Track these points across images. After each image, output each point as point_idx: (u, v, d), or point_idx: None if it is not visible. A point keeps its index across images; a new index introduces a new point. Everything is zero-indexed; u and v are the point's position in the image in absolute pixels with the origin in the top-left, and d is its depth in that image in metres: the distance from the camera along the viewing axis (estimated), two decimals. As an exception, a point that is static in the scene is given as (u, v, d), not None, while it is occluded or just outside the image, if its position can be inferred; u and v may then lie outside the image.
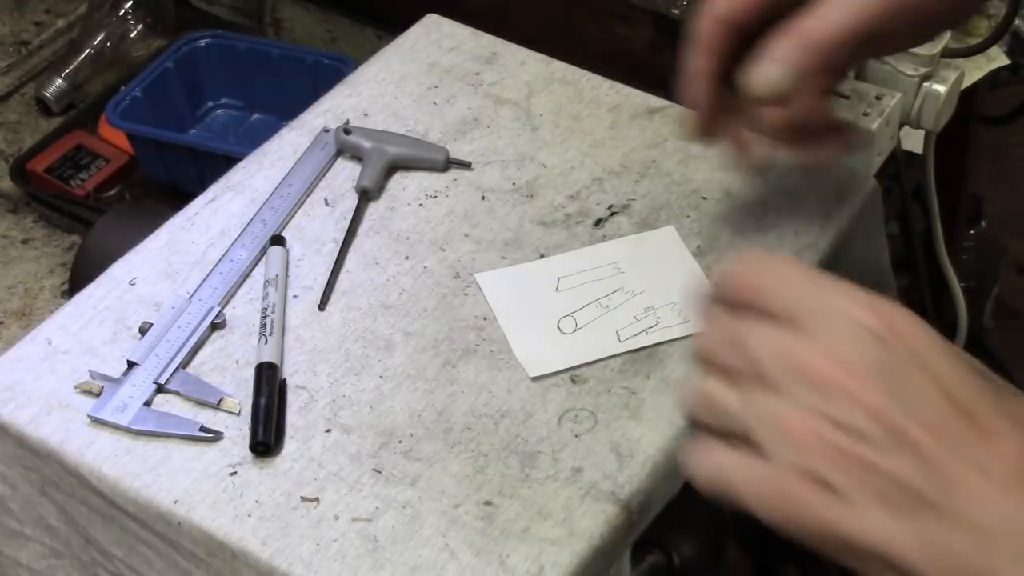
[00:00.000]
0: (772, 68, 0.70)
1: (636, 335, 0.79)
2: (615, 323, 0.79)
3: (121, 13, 1.66)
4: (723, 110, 0.78)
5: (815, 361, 0.53)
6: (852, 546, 0.51)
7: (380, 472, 0.73)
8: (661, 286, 0.81)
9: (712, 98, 0.77)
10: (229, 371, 0.79)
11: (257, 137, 1.23)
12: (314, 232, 0.88)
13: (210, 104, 1.52)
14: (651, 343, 0.78)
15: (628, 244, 0.82)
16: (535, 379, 0.78)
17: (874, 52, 0.83)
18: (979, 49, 1.11)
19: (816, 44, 0.69)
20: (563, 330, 0.78)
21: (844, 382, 0.52)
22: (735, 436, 0.55)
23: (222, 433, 0.75)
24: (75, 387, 0.77)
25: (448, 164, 0.92)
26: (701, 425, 0.57)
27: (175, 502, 0.72)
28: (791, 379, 0.53)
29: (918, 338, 0.53)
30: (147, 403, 0.77)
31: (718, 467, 0.55)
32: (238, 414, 0.76)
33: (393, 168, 0.92)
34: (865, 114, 0.92)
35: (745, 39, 0.75)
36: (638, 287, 0.80)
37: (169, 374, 0.78)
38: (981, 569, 0.49)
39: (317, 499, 0.72)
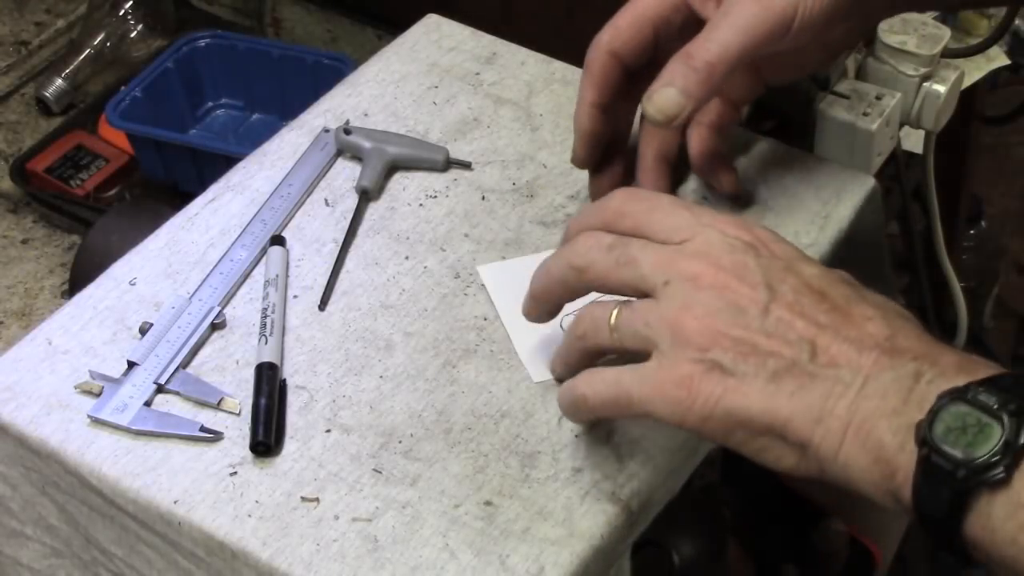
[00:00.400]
0: (662, 92, 0.72)
1: None
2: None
3: (121, 13, 1.66)
4: (604, 139, 0.82)
5: (695, 265, 0.62)
6: (739, 418, 0.60)
7: (380, 472, 0.73)
8: None
9: (593, 127, 0.80)
10: (229, 371, 0.79)
11: (257, 137, 1.23)
12: (314, 232, 0.88)
13: (210, 104, 1.52)
14: None
15: None
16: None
17: (770, 76, 0.83)
18: (979, 49, 1.11)
19: (702, 64, 0.71)
20: (565, 328, 0.77)
21: (724, 279, 0.62)
22: (624, 351, 0.65)
23: (222, 433, 0.75)
24: (75, 387, 0.78)
25: (448, 164, 0.92)
26: (583, 351, 0.68)
27: (175, 502, 0.72)
28: (675, 283, 0.62)
29: (787, 250, 0.64)
30: (147, 403, 0.77)
31: (613, 383, 0.64)
32: (238, 414, 0.76)
33: (393, 168, 0.92)
34: (865, 114, 0.92)
35: (641, 68, 0.78)
36: None
37: (169, 374, 0.78)
38: (843, 412, 0.58)
39: (317, 499, 0.72)
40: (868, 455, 0.58)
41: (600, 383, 0.66)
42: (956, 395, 0.56)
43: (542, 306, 0.72)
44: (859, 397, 0.58)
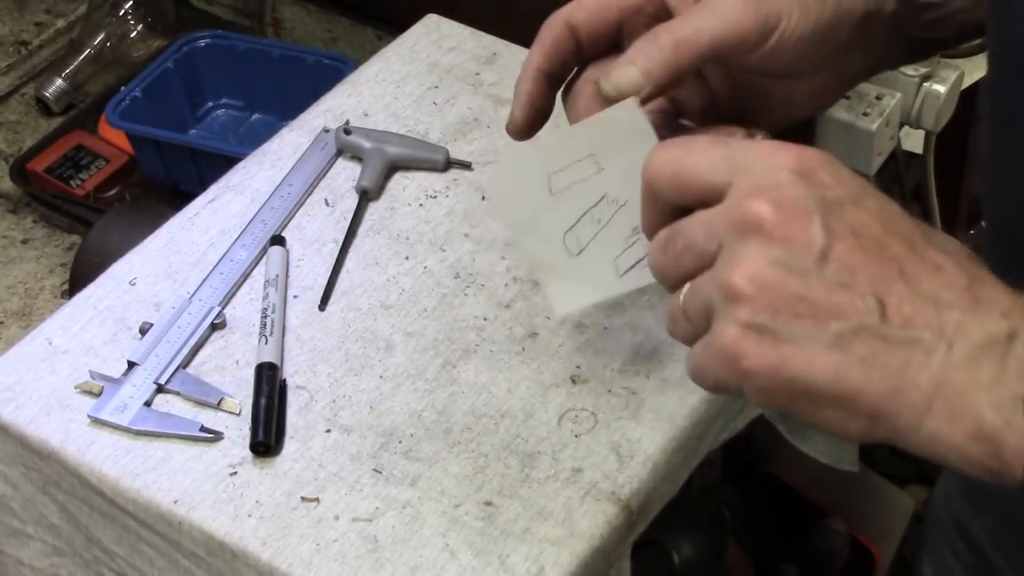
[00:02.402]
0: (621, 68, 0.67)
1: (632, 268, 0.71)
2: (611, 248, 0.71)
3: (121, 13, 1.66)
4: (545, 112, 0.74)
5: (737, 211, 0.54)
6: (802, 389, 0.52)
7: (380, 472, 0.73)
8: (636, 194, 0.70)
9: (535, 96, 0.73)
10: (229, 371, 0.79)
11: (257, 137, 1.23)
12: (314, 232, 0.88)
13: (210, 104, 1.52)
14: (645, 282, 0.69)
15: (598, 129, 0.72)
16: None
17: (784, 111, 0.75)
18: (979, 49, 1.11)
19: (668, 43, 0.66)
20: (570, 250, 0.72)
21: (772, 220, 0.53)
22: (703, 333, 0.56)
23: (222, 433, 0.75)
24: (75, 387, 0.78)
25: (448, 164, 0.92)
26: (683, 340, 0.59)
27: (175, 502, 0.72)
28: (726, 241, 0.54)
29: (843, 175, 0.55)
30: (147, 403, 0.77)
31: (691, 363, 0.56)
32: (238, 414, 0.76)
33: (393, 168, 0.92)
34: (865, 114, 0.92)
35: (597, 53, 0.72)
36: (621, 194, 0.72)
37: (169, 374, 0.78)
38: (927, 383, 0.51)
39: (317, 499, 0.72)
40: (962, 430, 0.51)
41: (689, 359, 0.57)
42: None
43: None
44: (945, 366, 0.51)
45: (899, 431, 0.52)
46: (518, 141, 0.75)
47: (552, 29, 0.72)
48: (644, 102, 0.67)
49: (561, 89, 0.73)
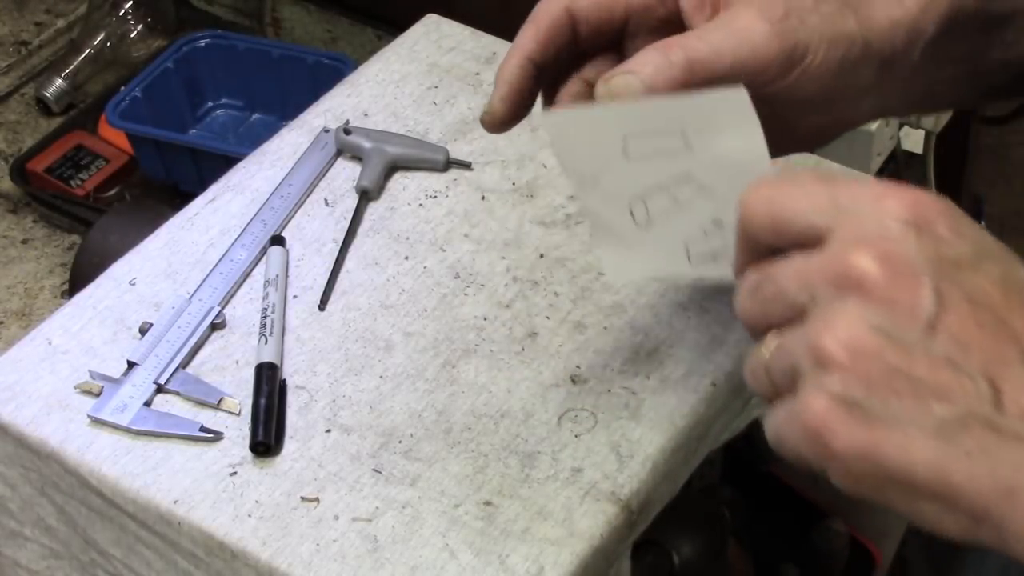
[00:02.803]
0: (623, 76, 0.60)
1: (705, 259, 0.65)
2: (684, 230, 0.65)
3: (121, 13, 1.66)
4: (527, 105, 0.67)
5: (837, 264, 0.47)
6: (894, 476, 0.46)
7: (380, 472, 0.73)
8: (730, 189, 0.63)
9: (520, 86, 0.66)
10: (229, 371, 0.79)
11: (257, 137, 1.23)
12: (314, 232, 0.88)
13: (210, 104, 1.52)
14: (718, 275, 0.64)
15: (696, 108, 0.63)
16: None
17: (813, 137, 0.68)
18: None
19: (682, 60, 0.59)
20: (636, 219, 0.65)
21: (874, 278, 0.46)
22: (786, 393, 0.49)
23: (222, 433, 0.75)
24: (75, 387, 0.78)
25: (448, 164, 0.92)
26: (764, 397, 0.52)
27: (175, 502, 0.72)
28: (821, 295, 0.47)
29: (963, 230, 0.47)
30: (147, 403, 0.77)
31: (770, 426, 0.50)
32: (238, 414, 0.76)
33: (393, 168, 0.92)
34: (865, 114, 0.92)
35: (593, 52, 0.66)
36: (708, 180, 0.64)
37: (169, 374, 0.78)
38: None
39: (317, 499, 0.72)
40: None
41: (767, 419, 0.51)
42: None
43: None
44: None
45: (1006, 536, 0.46)
46: (493, 134, 0.68)
47: (550, 14, 0.65)
48: None
49: (542, 91, 0.67)
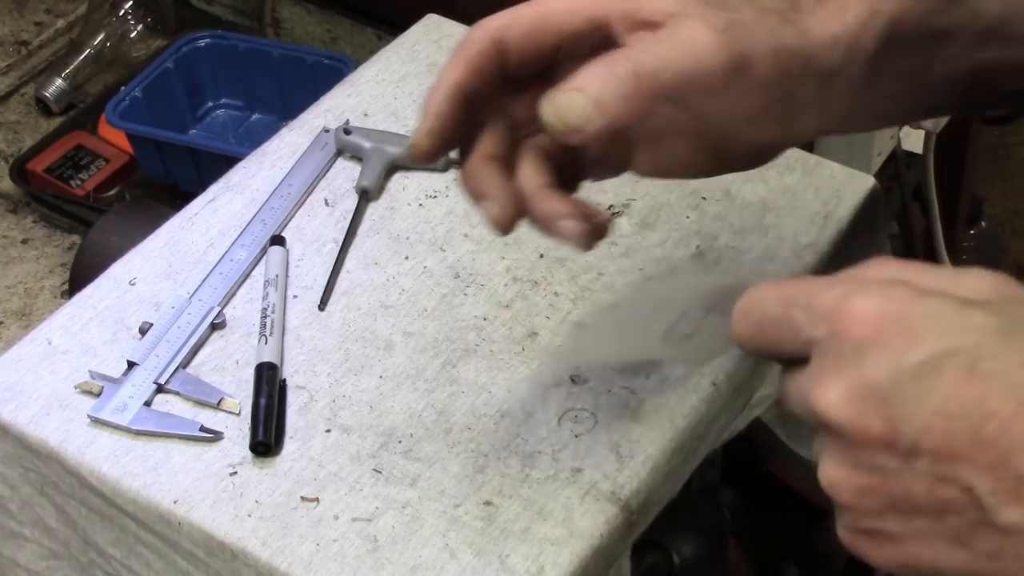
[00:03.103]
0: (569, 95, 0.57)
1: (680, 339, 0.65)
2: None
3: (121, 13, 1.66)
4: (452, 138, 0.64)
5: (812, 405, 0.49)
6: (929, 572, 0.49)
7: (380, 472, 0.73)
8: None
9: (447, 118, 0.63)
10: (229, 371, 0.79)
11: (257, 137, 1.23)
12: (314, 232, 0.88)
13: (210, 104, 1.52)
14: (689, 360, 0.69)
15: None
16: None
17: (662, 137, 0.64)
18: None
19: (627, 74, 0.56)
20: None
21: (846, 420, 0.47)
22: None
23: (222, 433, 0.75)
24: (75, 387, 0.77)
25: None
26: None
27: (175, 502, 0.72)
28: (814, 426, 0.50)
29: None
30: (147, 403, 0.77)
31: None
32: (238, 414, 0.76)
33: (393, 168, 0.92)
34: (865, 114, 0.92)
35: (523, 80, 0.63)
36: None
37: (169, 374, 0.78)
38: None
39: (317, 499, 0.72)
40: None
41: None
42: None
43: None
44: None
45: None
46: (418, 164, 0.64)
47: (477, 43, 0.62)
48: (588, 142, 0.58)
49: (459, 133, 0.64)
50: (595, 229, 0.63)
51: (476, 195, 0.63)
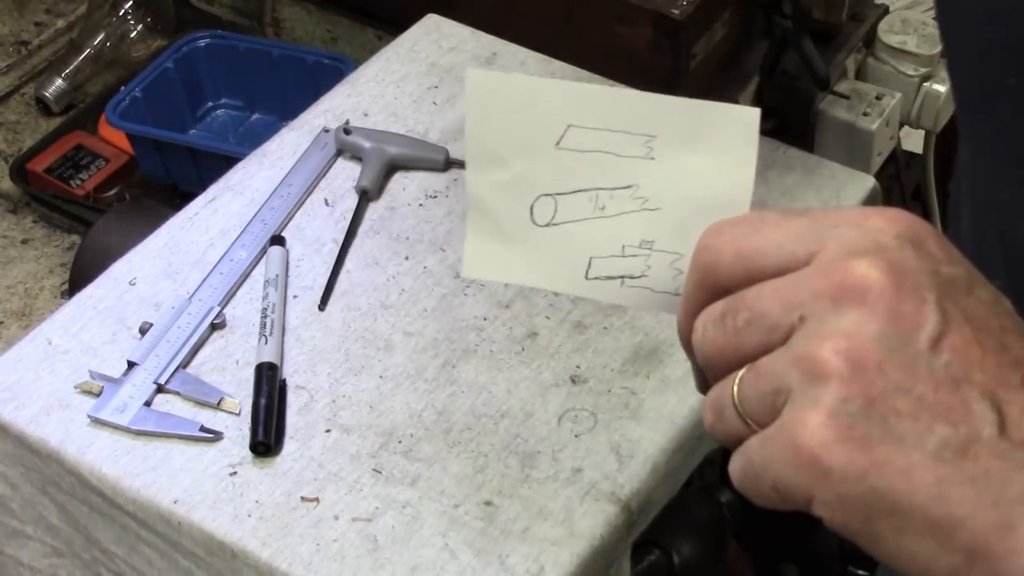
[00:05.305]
0: None
1: (607, 279, 0.56)
2: (594, 243, 0.56)
3: (121, 13, 1.66)
4: None
5: (834, 277, 0.43)
6: (890, 505, 0.42)
7: (380, 472, 0.73)
8: (684, 215, 0.55)
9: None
10: (229, 371, 0.79)
11: (257, 137, 1.23)
12: (314, 232, 0.88)
13: (210, 104, 1.52)
14: (615, 301, 0.56)
15: (684, 115, 0.54)
16: (465, 279, 0.65)
17: None
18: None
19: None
20: (535, 219, 0.56)
21: (882, 289, 0.42)
22: (759, 428, 0.44)
23: (222, 433, 0.75)
24: (75, 387, 0.78)
25: (448, 164, 0.92)
26: (724, 443, 0.47)
27: (175, 502, 0.72)
28: (812, 311, 0.43)
29: (953, 253, 0.44)
30: (147, 403, 0.77)
31: (739, 464, 0.45)
32: (238, 414, 0.76)
33: (393, 168, 0.92)
34: (865, 114, 0.92)
35: None
36: (656, 197, 0.55)
37: (169, 374, 0.78)
38: None
39: (317, 499, 0.72)
40: None
41: (733, 460, 0.45)
42: None
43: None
44: None
45: None
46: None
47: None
48: None
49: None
50: None
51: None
